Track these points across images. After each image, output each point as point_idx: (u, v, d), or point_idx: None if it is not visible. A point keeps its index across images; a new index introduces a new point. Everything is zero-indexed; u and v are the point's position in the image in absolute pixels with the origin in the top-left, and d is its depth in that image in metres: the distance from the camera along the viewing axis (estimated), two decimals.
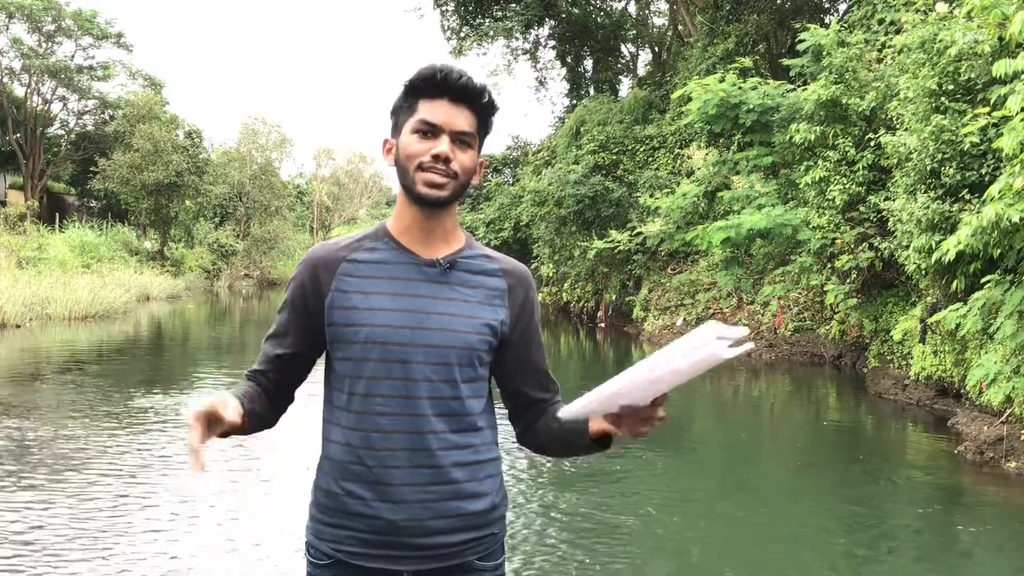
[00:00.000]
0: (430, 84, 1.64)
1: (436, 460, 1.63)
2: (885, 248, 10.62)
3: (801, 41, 12.87)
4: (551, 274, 22.75)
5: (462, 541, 1.66)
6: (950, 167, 8.59)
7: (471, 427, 1.67)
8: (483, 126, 1.69)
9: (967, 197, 8.40)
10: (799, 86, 13.28)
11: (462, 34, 29.00)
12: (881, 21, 13.13)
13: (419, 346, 1.62)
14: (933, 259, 8.32)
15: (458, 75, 1.63)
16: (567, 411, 1.52)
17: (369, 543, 1.63)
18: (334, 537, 1.66)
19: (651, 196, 17.77)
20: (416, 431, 1.62)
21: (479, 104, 1.66)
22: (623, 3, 29.44)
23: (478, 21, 28.75)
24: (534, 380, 1.77)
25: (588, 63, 30.39)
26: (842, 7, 19.93)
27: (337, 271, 1.67)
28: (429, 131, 1.63)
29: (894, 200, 9.70)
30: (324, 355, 1.73)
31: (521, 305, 1.73)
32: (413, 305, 1.64)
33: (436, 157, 1.61)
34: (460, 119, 1.63)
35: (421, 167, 1.62)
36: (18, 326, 15.68)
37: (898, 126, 10.06)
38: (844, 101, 11.60)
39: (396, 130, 1.69)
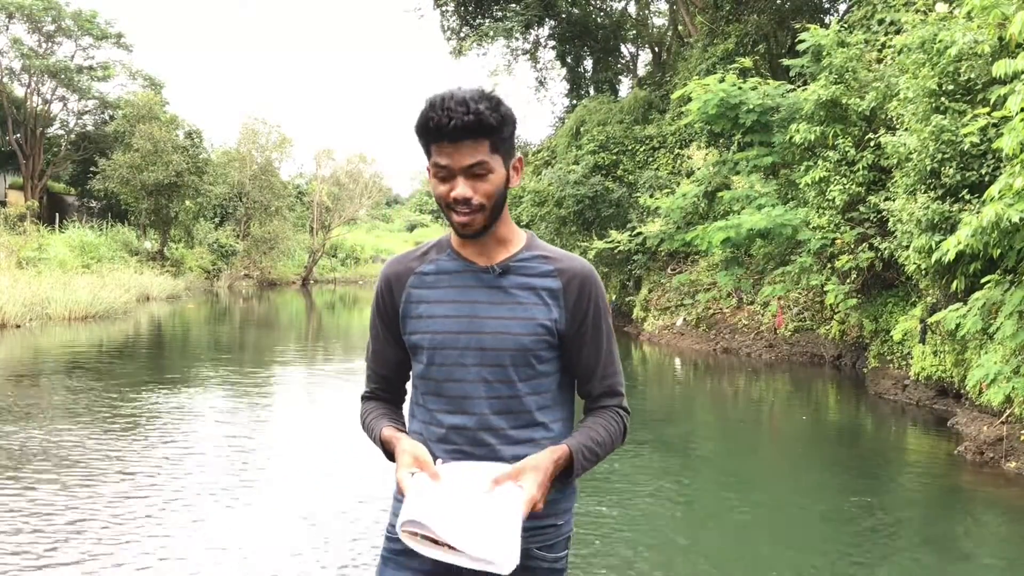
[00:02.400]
0: (427, 132, 1.66)
1: (498, 455, 1.71)
2: (885, 248, 10.61)
3: (801, 41, 12.87)
4: None
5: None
6: (950, 167, 8.58)
7: (533, 423, 1.75)
8: (497, 141, 1.67)
9: (967, 197, 8.39)
10: (799, 86, 13.28)
11: (462, 34, 28.99)
12: (881, 21, 13.13)
13: (474, 350, 1.73)
14: (933, 259, 8.32)
15: (448, 118, 1.61)
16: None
17: None
18: None
19: (651, 196, 17.77)
20: (478, 429, 1.73)
21: (481, 131, 1.63)
22: (623, 3, 29.43)
23: (478, 21, 28.73)
24: (584, 377, 1.83)
25: (588, 63, 30.34)
26: (842, 7, 19.93)
27: (407, 284, 1.81)
28: (444, 173, 1.67)
29: (894, 200, 9.70)
30: None
31: (575, 303, 1.76)
32: (469, 311, 1.75)
33: (456, 200, 1.67)
34: (465, 155, 1.64)
35: (449, 207, 1.69)
36: (18, 326, 15.70)
37: (898, 126, 10.05)
38: (844, 101, 11.60)
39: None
